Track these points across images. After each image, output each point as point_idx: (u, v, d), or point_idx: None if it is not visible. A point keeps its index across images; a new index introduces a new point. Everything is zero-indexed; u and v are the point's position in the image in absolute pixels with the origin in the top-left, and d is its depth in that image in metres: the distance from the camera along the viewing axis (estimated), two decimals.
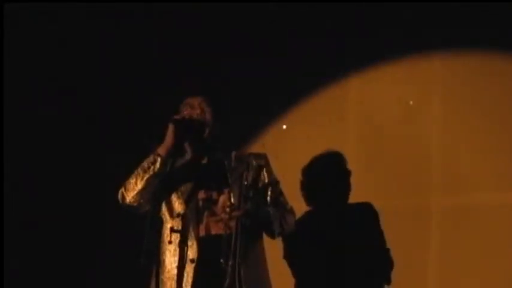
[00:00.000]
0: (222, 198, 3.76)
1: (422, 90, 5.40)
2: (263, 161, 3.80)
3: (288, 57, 5.58)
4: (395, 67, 5.45)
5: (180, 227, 3.74)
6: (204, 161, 3.84)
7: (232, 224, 3.64)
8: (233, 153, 3.82)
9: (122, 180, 3.80)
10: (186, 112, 3.79)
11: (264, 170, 3.81)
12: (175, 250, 3.73)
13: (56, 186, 5.80)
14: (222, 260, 3.58)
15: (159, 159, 3.73)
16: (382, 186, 4.97)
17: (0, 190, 5.48)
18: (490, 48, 5.18)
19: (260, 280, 3.77)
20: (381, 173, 4.99)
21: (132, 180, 3.77)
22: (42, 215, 5.75)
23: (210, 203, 3.76)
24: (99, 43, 5.88)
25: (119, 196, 3.82)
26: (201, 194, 3.76)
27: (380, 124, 5.45)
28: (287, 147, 5.56)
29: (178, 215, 3.76)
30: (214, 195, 3.77)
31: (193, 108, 3.80)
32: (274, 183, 3.81)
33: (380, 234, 4.27)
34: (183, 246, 3.73)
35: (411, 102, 5.40)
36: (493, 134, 5.17)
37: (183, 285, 3.69)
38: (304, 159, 4.39)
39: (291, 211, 3.86)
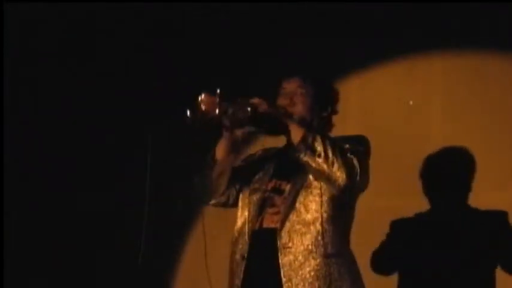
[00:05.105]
0: (287, 188, 3.49)
1: (422, 90, 5.39)
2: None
3: (287, 57, 5.57)
4: (395, 67, 5.45)
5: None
6: (279, 150, 3.65)
7: (285, 217, 3.41)
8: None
9: (124, 180, 3.78)
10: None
11: None
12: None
13: (56, 186, 5.81)
14: None
15: None
16: (382, 186, 4.95)
17: (0, 190, 5.49)
18: (490, 48, 5.18)
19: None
20: (381, 173, 4.97)
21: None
22: (42, 215, 5.76)
23: (276, 193, 3.49)
24: (100, 43, 5.88)
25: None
26: (271, 184, 3.54)
27: (380, 124, 5.44)
28: None
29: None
30: (283, 185, 3.52)
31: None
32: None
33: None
34: (234, 241, 3.56)
35: (411, 102, 5.40)
36: (493, 134, 5.17)
37: (235, 281, 3.49)
38: None
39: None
